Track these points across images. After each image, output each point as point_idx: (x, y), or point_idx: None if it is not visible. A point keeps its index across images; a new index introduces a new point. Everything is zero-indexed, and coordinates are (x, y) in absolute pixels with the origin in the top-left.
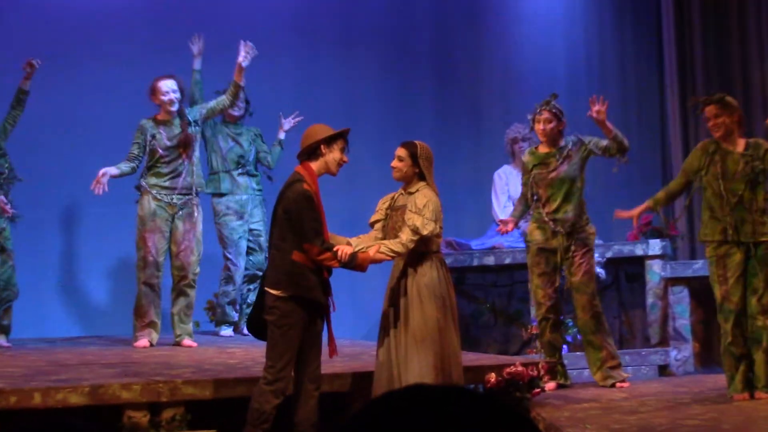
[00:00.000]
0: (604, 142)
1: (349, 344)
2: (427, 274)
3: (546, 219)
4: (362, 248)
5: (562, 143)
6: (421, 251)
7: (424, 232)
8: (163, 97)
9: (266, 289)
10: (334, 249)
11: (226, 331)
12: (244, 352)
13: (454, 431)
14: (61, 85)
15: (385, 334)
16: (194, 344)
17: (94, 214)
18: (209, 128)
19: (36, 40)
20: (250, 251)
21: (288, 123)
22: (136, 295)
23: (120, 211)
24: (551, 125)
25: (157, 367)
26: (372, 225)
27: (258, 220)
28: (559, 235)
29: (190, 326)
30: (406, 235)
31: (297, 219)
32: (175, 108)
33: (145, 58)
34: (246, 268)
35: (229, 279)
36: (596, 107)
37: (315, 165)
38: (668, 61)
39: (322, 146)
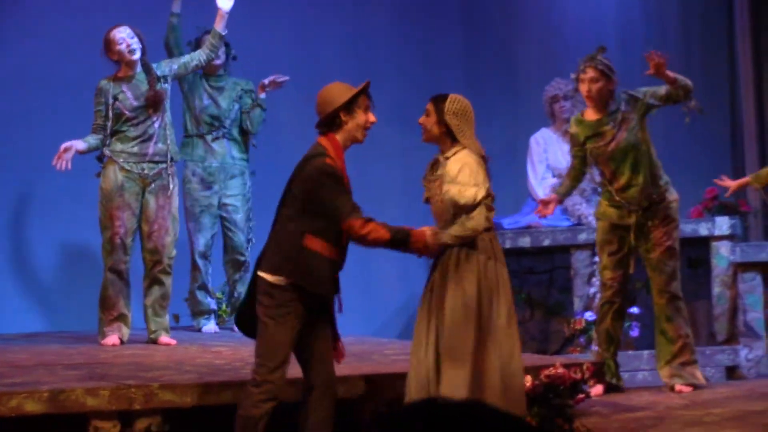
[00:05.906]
0: (663, 90)
1: (356, 342)
2: (461, 261)
3: (617, 198)
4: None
5: (613, 106)
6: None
7: (462, 201)
8: (119, 47)
9: (260, 274)
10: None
11: (208, 325)
12: (231, 351)
13: None
14: (12, 36)
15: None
16: (173, 342)
17: (49, 190)
18: (187, 82)
19: None
20: (224, 230)
21: (270, 82)
22: (101, 284)
23: (78, 186)
24: (598, 85)
25: (129, 368)
26: (427, 202)
27: (235, 194)
28: (635, 213)
29: (167, 320)
30: (462, 221)
31: (318, 199)
32: (136, 57)
33: (113, 2)
34: (224, 252)
35: (193, 263)
36: (654, 61)
37: (339, 136)
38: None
39: (341, 114)
